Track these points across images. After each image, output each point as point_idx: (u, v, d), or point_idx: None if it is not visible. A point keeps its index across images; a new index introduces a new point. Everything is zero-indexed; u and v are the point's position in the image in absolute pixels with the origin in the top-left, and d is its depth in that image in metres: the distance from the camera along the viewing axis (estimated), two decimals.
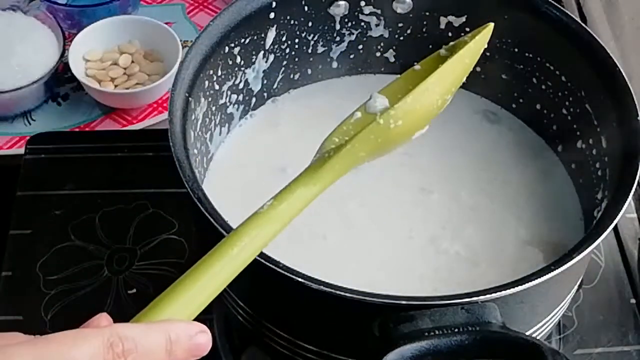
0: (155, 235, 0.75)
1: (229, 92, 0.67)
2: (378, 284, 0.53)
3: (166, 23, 0.91)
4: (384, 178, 0.66)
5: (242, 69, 0.67)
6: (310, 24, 0.69)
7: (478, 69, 0.71)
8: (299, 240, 0.61)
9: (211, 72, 0.63)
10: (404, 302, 0.49)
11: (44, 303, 0.71)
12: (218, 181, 0.66)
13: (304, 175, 0.49)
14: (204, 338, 0.43)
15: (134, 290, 0.72)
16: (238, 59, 0.66)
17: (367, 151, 0.50)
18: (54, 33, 0.89)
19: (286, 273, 0.49)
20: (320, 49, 0.72)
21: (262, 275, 0.51)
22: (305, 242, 0.62)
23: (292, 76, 0.72)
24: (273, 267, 0.50)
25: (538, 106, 0.69)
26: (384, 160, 0.65)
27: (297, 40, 0.70)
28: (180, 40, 0.89)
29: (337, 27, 0.71)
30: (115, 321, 0.42)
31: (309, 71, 0.73)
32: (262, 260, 0.50)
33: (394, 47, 0.73)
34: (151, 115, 0.89)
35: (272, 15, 0.66)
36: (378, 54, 0.73)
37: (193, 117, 0.60)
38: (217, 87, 0.65)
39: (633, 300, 0.74)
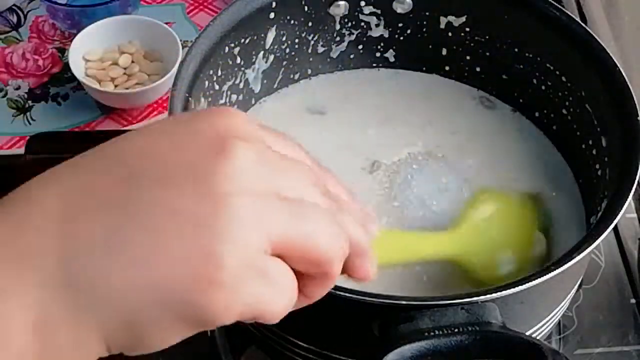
0: None
1: (229, 92, 0.67)
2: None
3: (166, 23, 0.91)
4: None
5: (242, 69, 0.67)
6: (310, 24, 0.69)
7: (478, 68, 0.72)
8: None
9: (211, 72, 0.63)
10: (404, 302, 0.49)
11: None
12: None
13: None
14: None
15: None
16: (238, 59, 0.66)
17: None
18: None
19: None
20: (320, 49, 0.72)
21: None
22: None
23: (292, 76, 0.72)
24: None
25: (538, 106, 0.69)
26: (385, 155, 0.65)
27: (297, 40, 0.70)
28: (180, 40, 0.88)
29: (337, 27, 0.71)
30: None
31: (309, 71, 0.73)
32: None
33: (394, 47, 0.73)
34: (151, 115, 0.89)
35: (272, 15, 0.66)
36: (378, 54, 0.73)
37: None
38: (217, 87, 0.64)
39: (633, 300, 0.74)
